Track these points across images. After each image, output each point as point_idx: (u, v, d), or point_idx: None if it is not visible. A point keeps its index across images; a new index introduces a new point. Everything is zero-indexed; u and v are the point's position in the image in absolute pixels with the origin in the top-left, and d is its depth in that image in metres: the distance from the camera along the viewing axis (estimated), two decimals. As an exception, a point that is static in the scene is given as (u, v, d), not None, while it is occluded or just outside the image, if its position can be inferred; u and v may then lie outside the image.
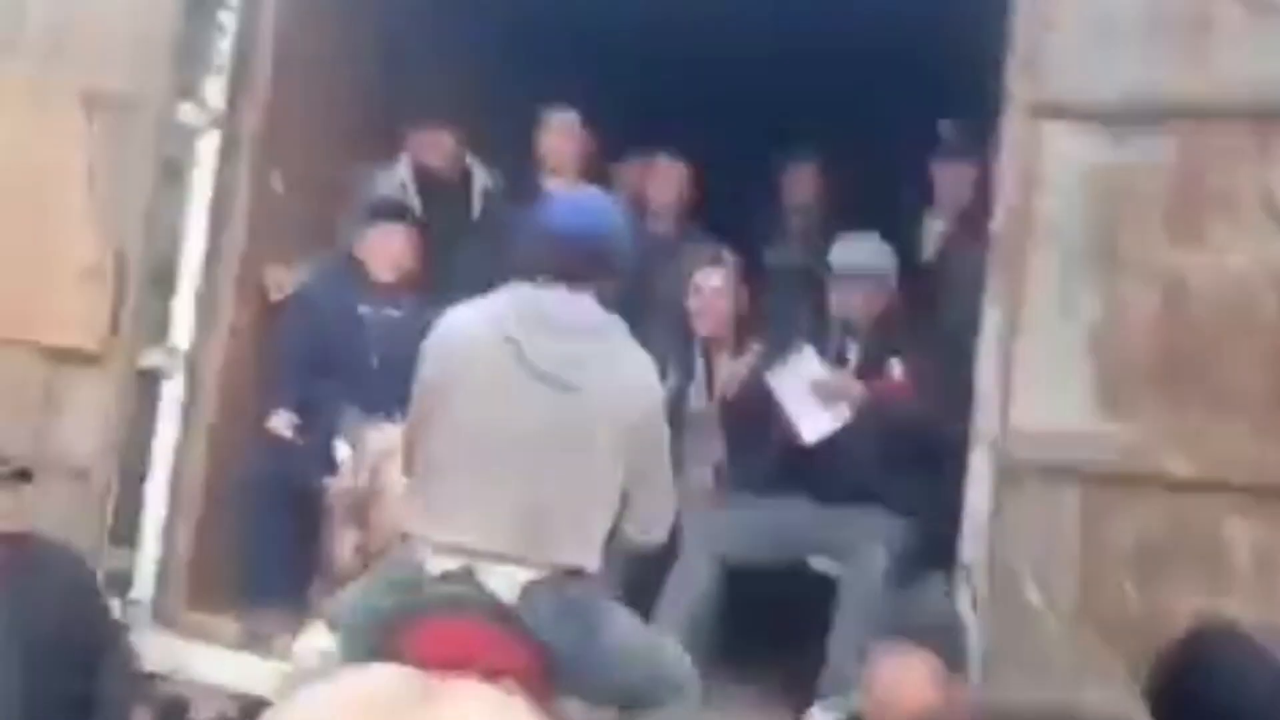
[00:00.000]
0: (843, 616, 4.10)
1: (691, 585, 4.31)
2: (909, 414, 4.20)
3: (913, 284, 4.59)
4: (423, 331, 4.60)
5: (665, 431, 3.15)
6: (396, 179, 5.14)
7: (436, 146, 5.15)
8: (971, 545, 3.71)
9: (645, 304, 4.84)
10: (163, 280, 4.60)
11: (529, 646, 2.90)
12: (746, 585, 4.44)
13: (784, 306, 4.87)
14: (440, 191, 5.17)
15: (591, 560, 3.00)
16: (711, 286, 4.68)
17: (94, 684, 3.97)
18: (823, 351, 4.40)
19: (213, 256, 4.61)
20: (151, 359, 4.55)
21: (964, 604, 3.61)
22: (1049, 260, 3.70)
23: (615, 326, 3.04)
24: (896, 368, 4.31)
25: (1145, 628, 3.46)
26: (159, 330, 4.58)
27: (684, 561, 4.35)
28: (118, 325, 4.53)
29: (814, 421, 4.31)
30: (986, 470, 3.72)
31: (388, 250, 4.81)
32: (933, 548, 4.06)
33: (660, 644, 3.28)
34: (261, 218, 4.75)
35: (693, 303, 4.69)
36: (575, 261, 3.00)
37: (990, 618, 3.64)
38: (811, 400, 4.30)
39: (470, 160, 5.26)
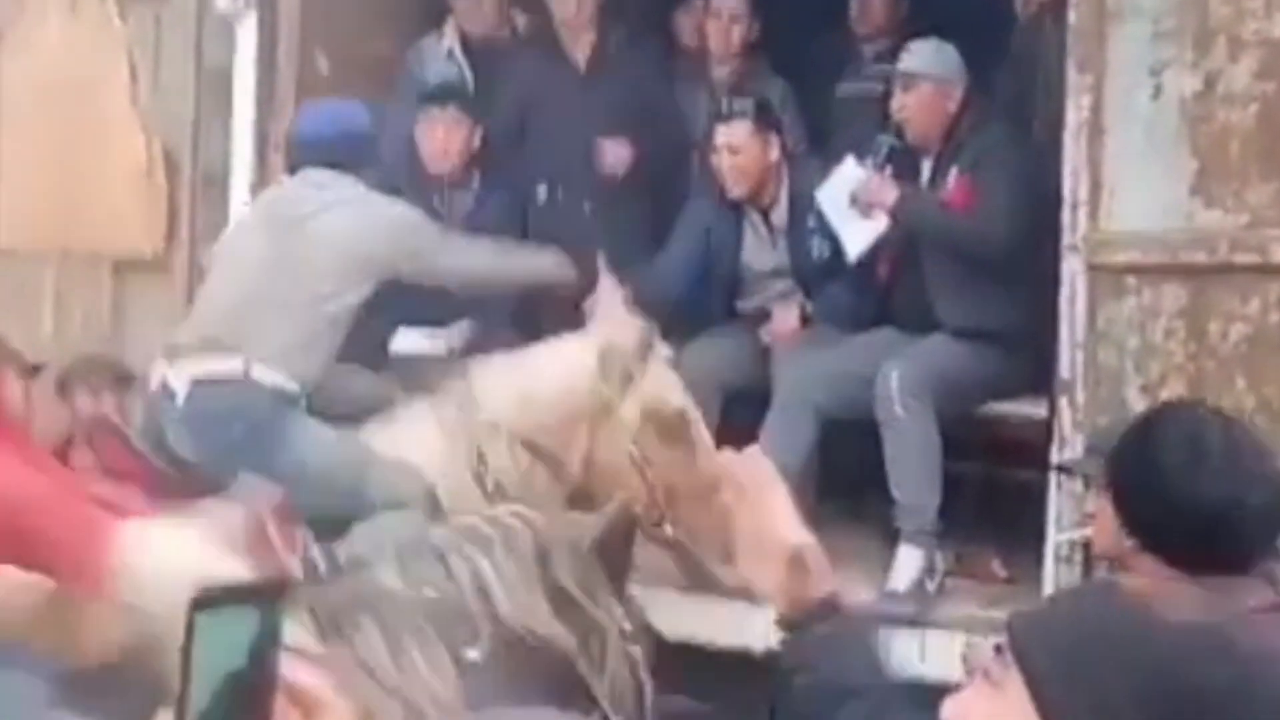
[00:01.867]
0: (888, 457, 3.93)
1: (789, 436, 4.13)
2: (968, 225, 3.94)
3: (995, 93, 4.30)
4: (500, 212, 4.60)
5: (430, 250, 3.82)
6: (443, 48, 4.93)
7: (478, 9, 4.92)
8: (1070, 359, 3.49)
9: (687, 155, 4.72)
10: (216, 177, 4.49)
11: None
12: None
13: (856, 137, 4.59)
14: (491, 55, 4.95)
15: (290, 368, 3.57)
16: (727, 142, 4.35)
17: None
18: (879, 164, 4.13)
19: (262, 148, 4.48)
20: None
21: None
22: (1133, 43, 3.41)
23: (344, 183, 3.77)
24: (955, 178, 4.02)
25: (1262, 424, 3.22)
26: (217, 229, 4.47)
27: (778, 411, 4.18)
28: (175, 226, 4.45)
29: (854, 234, 4.09)
30: (1080, 278, 3.48)
31: (433, 140, 4.55)
32: (1030, 366, 3.85)
33: (364, 467, 3.50)
34: (310, 101, 4.58)
35: (715, 162, 4.39)
36: (314, 157, 3.79)
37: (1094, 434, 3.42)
38: (852, 212, 4.07)
39: (517, 16, 5.03)
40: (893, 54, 4.71)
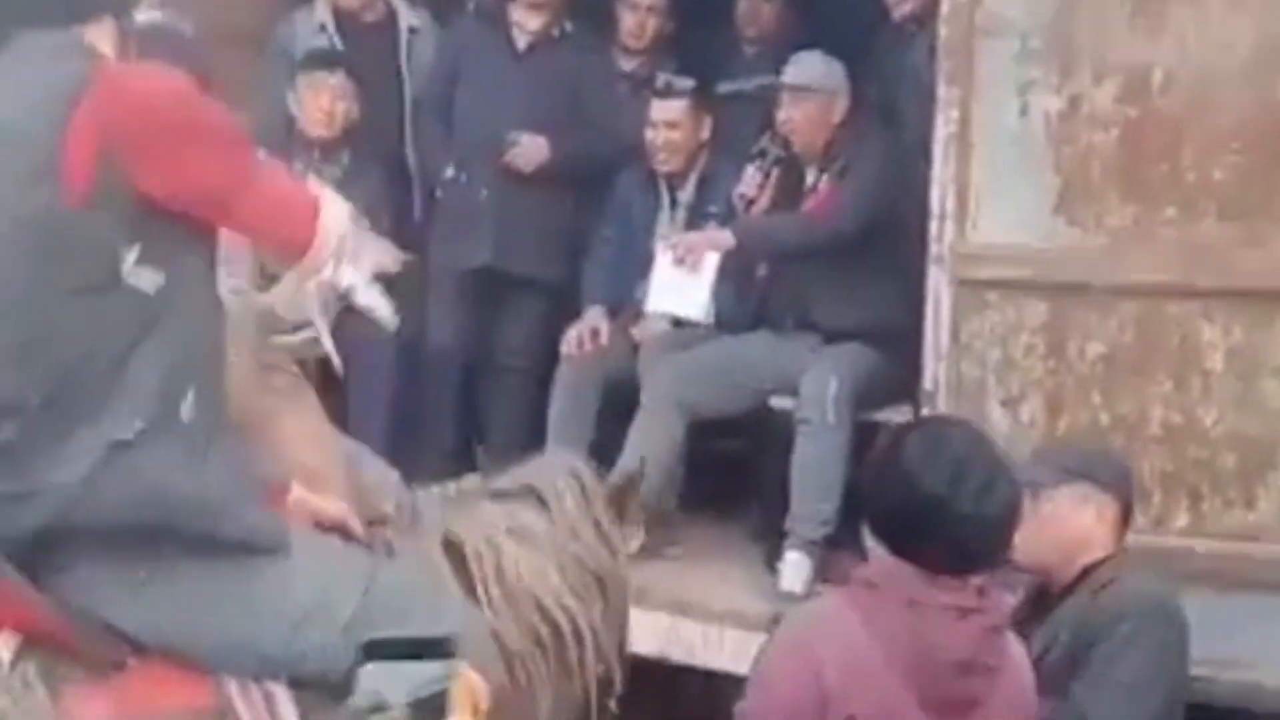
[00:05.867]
0: (799, 456, 3.94)
1: (656, 435, 4.15)
2: (833, 231, 4.02)
3: (873, 103, 4.35)
4: (369, 188, 4.52)
5: None
6: (315, 22, 4.84)
7: (355, -20, 4.85)
8: (933, 370, 3.54)
9: (619, 145, 4.67)
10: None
11: None
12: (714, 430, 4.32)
13: (734, 136, 4.61)
14: (363, 33, 4.87)
15: None
16: (664, 118, 4.47)
17: None
18: (765, 172, 4.26)
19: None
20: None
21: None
22: (1001, 60, 3.46)
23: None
24: (826, 185, 4.11)
25: (1117, 442, 3.30)
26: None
27: (647, 410, 4.20)
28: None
29: (693, 298, 4.21)
30: (945, 290, 3.53)
31: (318, 104, 4.54)
32: (898, 375, 3.90)
33: None
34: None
35: (648, 136, 4.50)
36: None
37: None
38: (681, 279, 4.19)
39: (394, -1, 4.95)
40: (774, 57, 4.80)
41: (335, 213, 2.12)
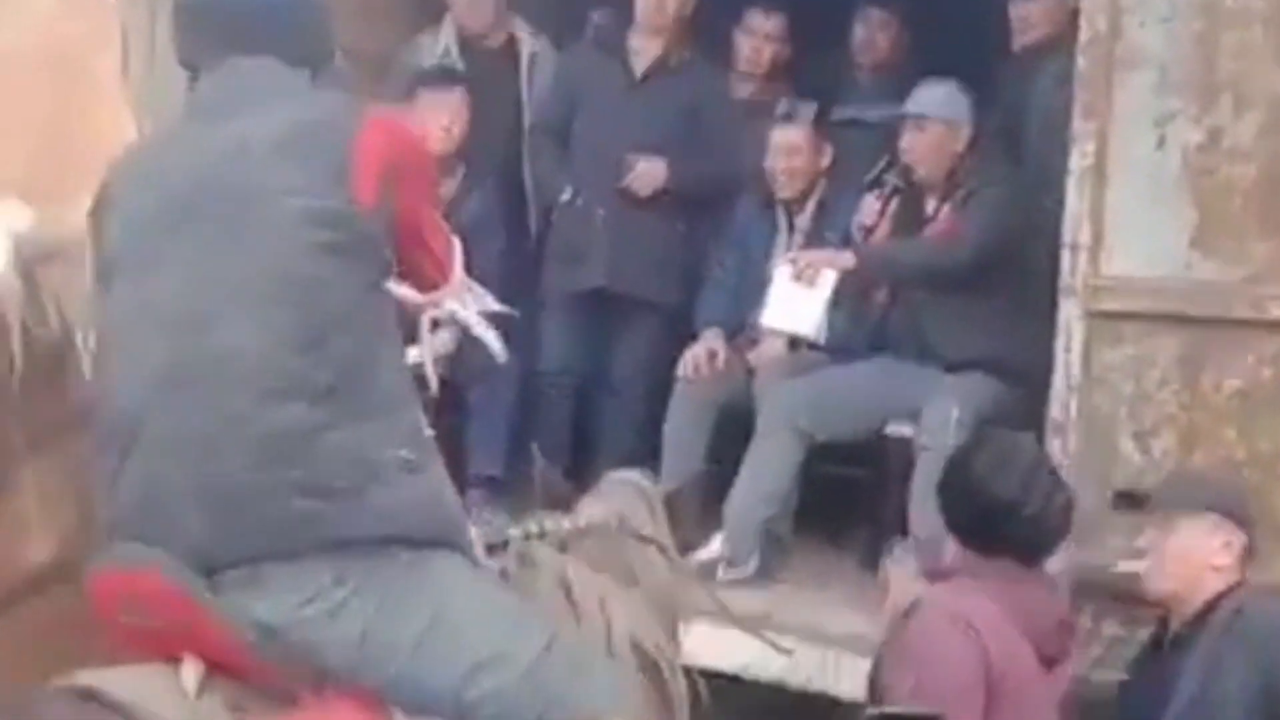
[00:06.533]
0: (920, 482, 3.92)
1: (772, 460, 4.16)
2: (954, 258, 4.03)
3: (997, 131, 4.35)
4: (482, 205, 4.58)
5: None
6: (440, 44, 4.92)
7: (479, 8, 4.90)
8: (1064, 401, 3.51)
9: (735, 170, 4.70)
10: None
11: None
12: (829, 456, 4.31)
13: (850, 163, 4.63)
14: (485, 56, 4.93)
15: None
16: (786, 144, 4.51)
17: None
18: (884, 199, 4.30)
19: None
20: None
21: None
22: (1139, 92, 3.44)
23: None
24: (947, 213, 4.12)
25: (1252, 478, 3.26)
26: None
27: (763, 435, 4.21)
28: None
29: (807, 314, 4.26)
30: (1077, 322, 3.51)
31: (437, 121, 4.58)
32: (1021, 405, 3.88)
33: None
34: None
35: (769, 162, 4.53)
36: None
37: (1086, 477, 3.44)
38: (798, 295, 4.24)
39: (517, 23, 5.01)
40: (890, 85, 4.82)
41: (459, 254, 2.40)
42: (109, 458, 2.05)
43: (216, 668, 1.97)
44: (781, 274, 4.28)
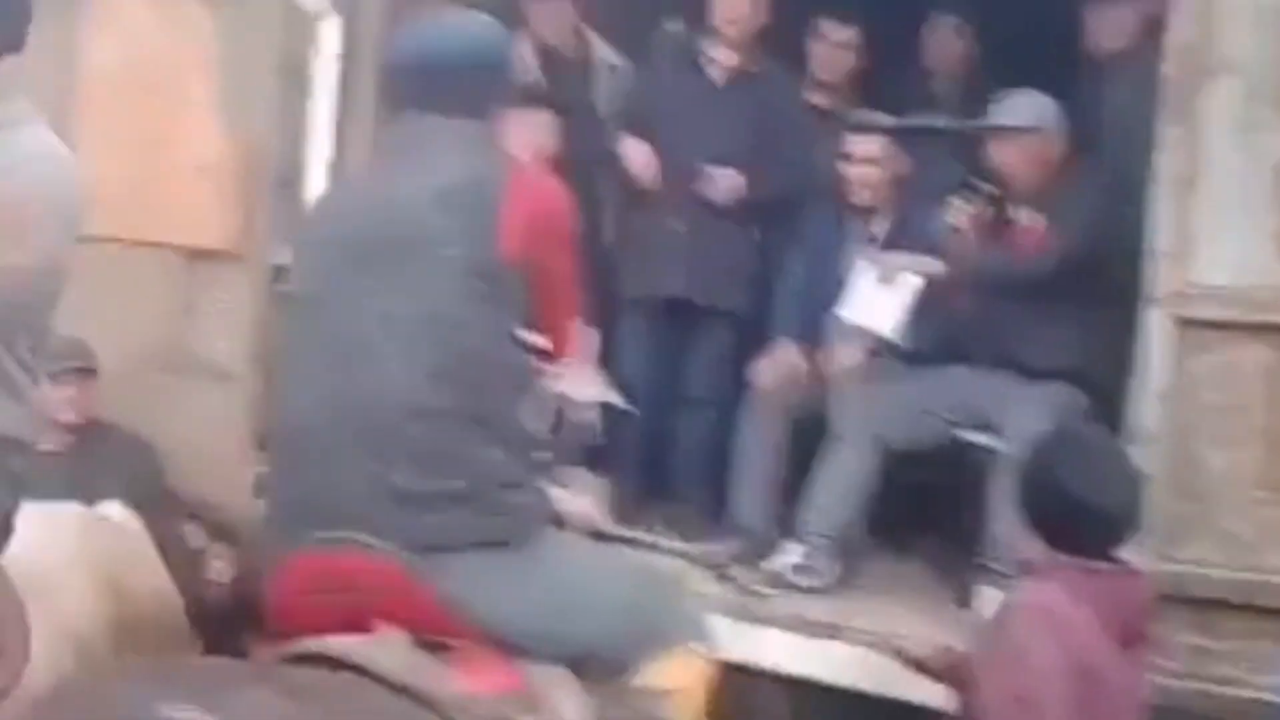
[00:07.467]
0: (1003, 491, 3.91)
1: (848, 468, 4.18)
2: (1042, 269, 4.01)
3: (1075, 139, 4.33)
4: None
5: None
6: (520, 59, 4.95)
7: (556, 19, 4.94)
8: (1148, 411, 3.51)
9: (811, 179, 4.72)
10: (291, 175, 4.51)
11: None
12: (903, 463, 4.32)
13: (924, 172, 4.64)
14: (562, 67, 4.97)
15: None
16: (862, 153, 4.52)
17: None
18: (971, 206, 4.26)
19: (341, 146, 4.51)
20: (285, 256, 4.45)
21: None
22: (1228, 100, 3.43)
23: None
24: (1034, 221, 4.12)
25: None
26: (291, 226, 4.49)
27: (838, 442, 4.22)
28: (250, 223, 4.46)
29: (885, 312, 4.26)
30: (1162, 330, 3.50)
31: (531, 140, 4.55)
32: (1101, 414, 3.87)
33: None
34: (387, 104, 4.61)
35: (844, 171, 4.55)
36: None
37: (1169, 487, 3.44)
38: (878, 296, 4.24)
39: (591, 36, 5.05)
40: (963, 94, 4.83)
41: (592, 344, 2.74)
42: (283, 464, 2.49)
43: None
44: (866, 274, 4.28)
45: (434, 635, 2.36)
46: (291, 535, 2.41)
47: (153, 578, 3.15)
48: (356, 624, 2.34)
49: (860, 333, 4.45)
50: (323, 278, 2.53)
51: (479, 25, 2.67)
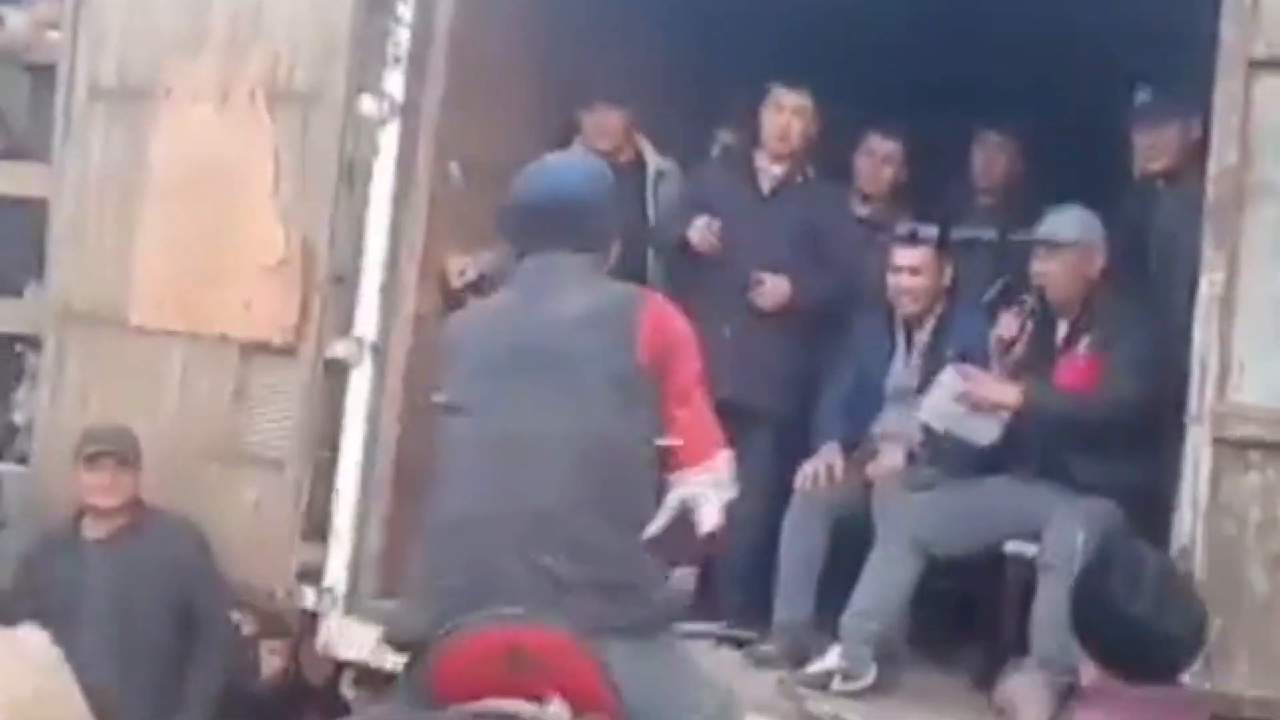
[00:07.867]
0: (1042, 601, 3.92)
1: (891, 574, 4.20)
2: (1113, 410, 4.03)
3: (1120, 256, 4.39)
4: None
5: None
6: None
7: (605, 128, 5.06)
8: (1190, 526, 3.52)
9: (856, 287, 4.82)
10: (348, 273, 4.63)
11: None
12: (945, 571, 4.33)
13: (968, 283, 4.72)
14: (613, 173, 5.05)
15: None
16: (909, 264, 4.61)
17: (188, 655, 4.35)
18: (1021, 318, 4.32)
19: (395, 246, 4.62)
20: (339, 349, 4.57)
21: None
22: (1270, 222, 3.48)
23: None
24: (1085, 351, 4.16)
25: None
26: (345, 321, 4.60)
27: (882, 548, 4.25)
28: (306, 317, 4.57)
29: (979, 429, 4.24)
30: (1204, 449, 3.52)
31: None
32: (1144, 530, 3.88)
33: None
34: (442, 207, 4.74)
35: (891, 280, 4.63)
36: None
37: (1213, 605, 3.43)
38: (964, 412, 4.23)
39: (642, 143, 5.17)
40: (1008, 207, 4.92)
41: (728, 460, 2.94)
42: (441, 554, 2.79)
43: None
44: (951, 384, 4.26)
45: (591, 710, 2.59)
46: (452, 616, 2.64)
47: (63, 708, 3.22)
48: (526, 694, 2.57)
49: (905, 437, 4.50)
50: (478, 389, 2.84)
51: (592, 168, 3.19)
